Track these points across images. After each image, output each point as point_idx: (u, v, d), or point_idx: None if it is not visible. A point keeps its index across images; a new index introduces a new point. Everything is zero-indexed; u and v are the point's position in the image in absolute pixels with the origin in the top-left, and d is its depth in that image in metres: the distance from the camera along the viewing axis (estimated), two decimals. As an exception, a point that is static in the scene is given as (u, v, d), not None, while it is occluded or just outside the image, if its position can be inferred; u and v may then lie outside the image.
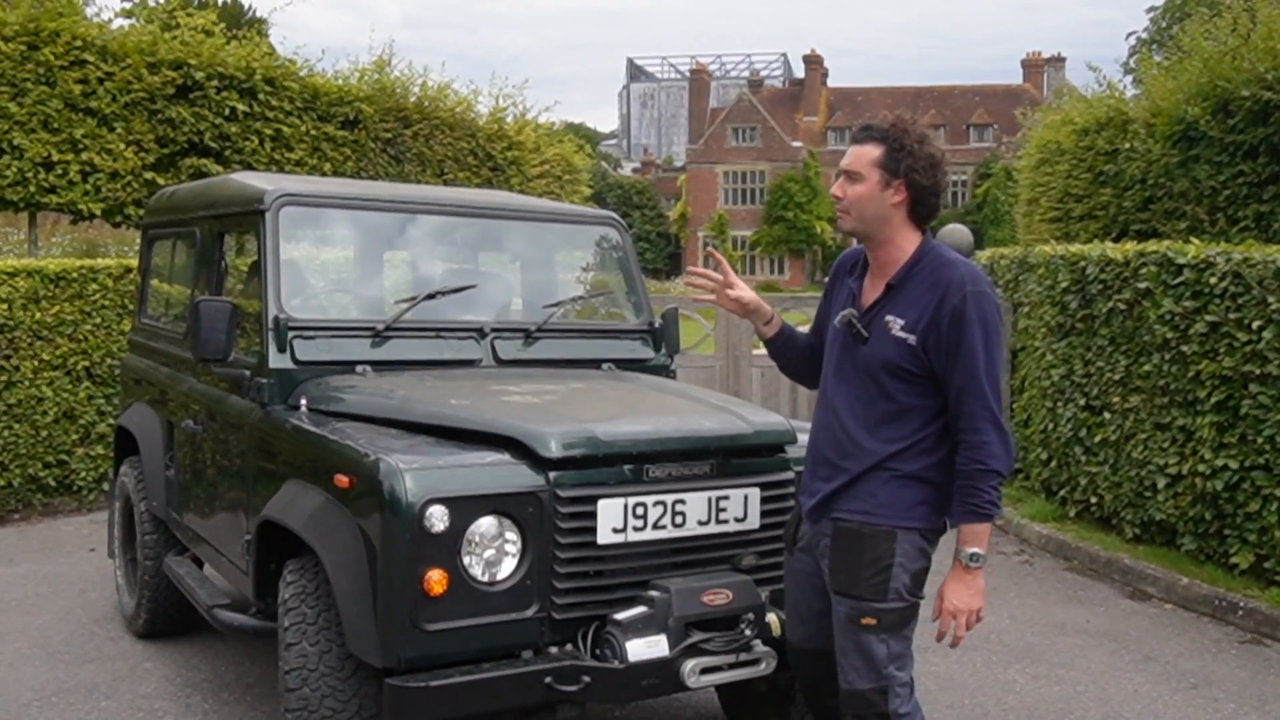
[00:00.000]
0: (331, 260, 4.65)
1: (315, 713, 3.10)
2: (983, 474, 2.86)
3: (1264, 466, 5.66)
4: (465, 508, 2.98)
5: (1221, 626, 5.67)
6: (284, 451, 3.69)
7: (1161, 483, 6.34)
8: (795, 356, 3.38)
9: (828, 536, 3.04)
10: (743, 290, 3.27)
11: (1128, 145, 9.50)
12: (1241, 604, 5.67)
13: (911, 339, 2.91)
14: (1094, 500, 7.11)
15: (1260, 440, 5.65)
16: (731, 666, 3.21)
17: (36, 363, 7.58)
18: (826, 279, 3.36)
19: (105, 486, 7.90)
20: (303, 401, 3.73)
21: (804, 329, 3.43)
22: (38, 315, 7.57)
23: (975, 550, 2.93)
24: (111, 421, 7.74)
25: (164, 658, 4.97)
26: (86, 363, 7.83)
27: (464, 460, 3.12)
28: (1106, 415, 6.88)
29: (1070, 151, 10.29)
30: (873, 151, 2.95)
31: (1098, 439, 6.98)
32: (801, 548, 3.19)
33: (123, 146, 9.02)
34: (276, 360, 3.83)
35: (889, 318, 2.97)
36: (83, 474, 7.85)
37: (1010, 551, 7.22)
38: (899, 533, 2.95)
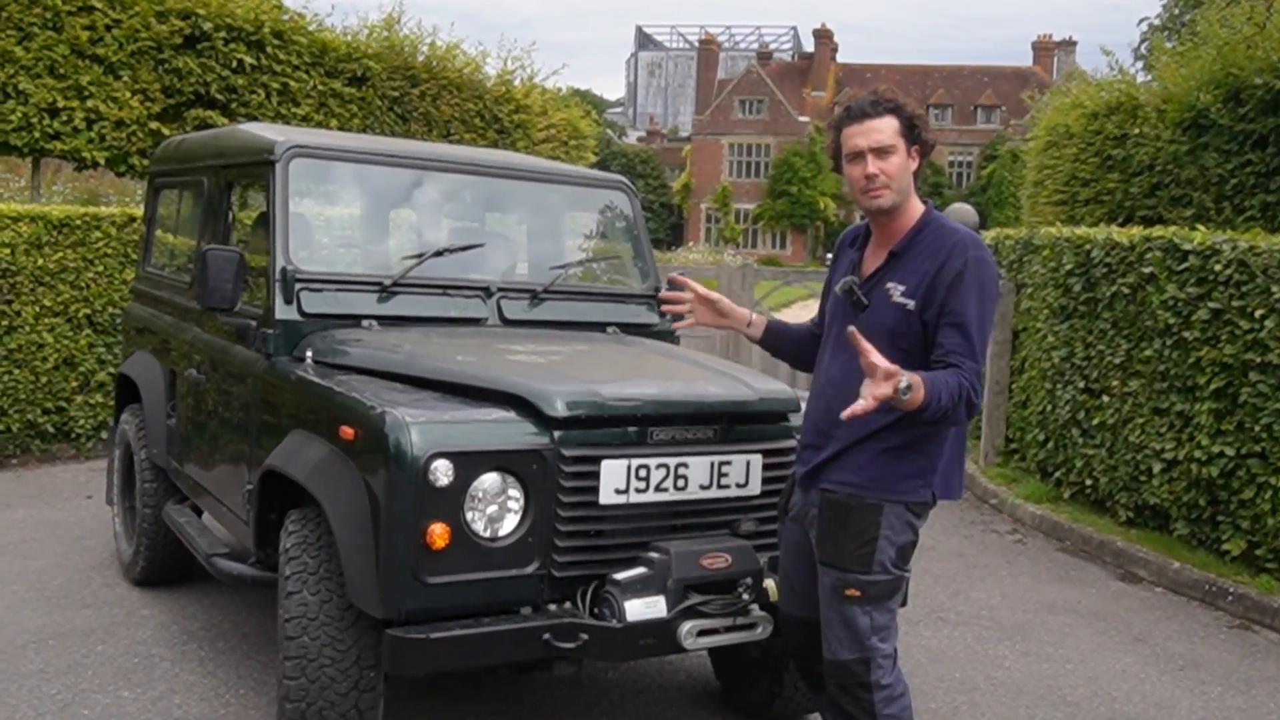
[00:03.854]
0: (340, 214, 4.64)
1: (314, 661, 3.12)
2: (958, 387, 2.81)
3: (1260, 454, 5.68)
4: (469, 463, 3.00)
5: (1211, 611, 5.71)
6: (288, 402, 3.69)
7: (1157, 467, 6.36)
8: (791, 345, 3.42)
9: (816, 507, 3.06)
10: (721, 298, 3.35)
11: (1137, 131, 9.47)
12: (1231, 590, 5.71)
13: (910, 304, 2.93)
14: (1089, 483, 7.14)
15: (1258, 428, 5.68)
16: (728, 630, 3.24)
17: (38, 309, 7.57)
18: (832, 254, 3.37)
19: (104, 435, 7.91)
20: (308, 353, 3.74)
21: (808, 303, 3.45)
22: (40, 261, 7.56)
23: (908, 387, 2.75)
24: (112, 370, 7.76)
25: (160, 605, 5.00)
26: (88, 310, 7.82)
27: (470, 416, 3.13)
28: (1105, 398, 6.90)
29: (1079, 135, 10.26)
30: (893, 122, 2.96)
31: (1095, 422, 7.00)
32: (792, 517, 3.22)
33: (128, 95, 8.97)
34: (283, 311, 3.83)
35: (889, 284, 2.99)
36: (81, 421, 7.86)
37: (1004, 530, 7.26)
38: (885, 506, 2.96)
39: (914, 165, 3.01)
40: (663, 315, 4.56)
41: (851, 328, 2.76)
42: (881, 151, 2.96)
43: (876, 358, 2.71)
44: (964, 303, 2.88)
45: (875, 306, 3.00)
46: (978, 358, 2.89)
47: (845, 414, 2.76)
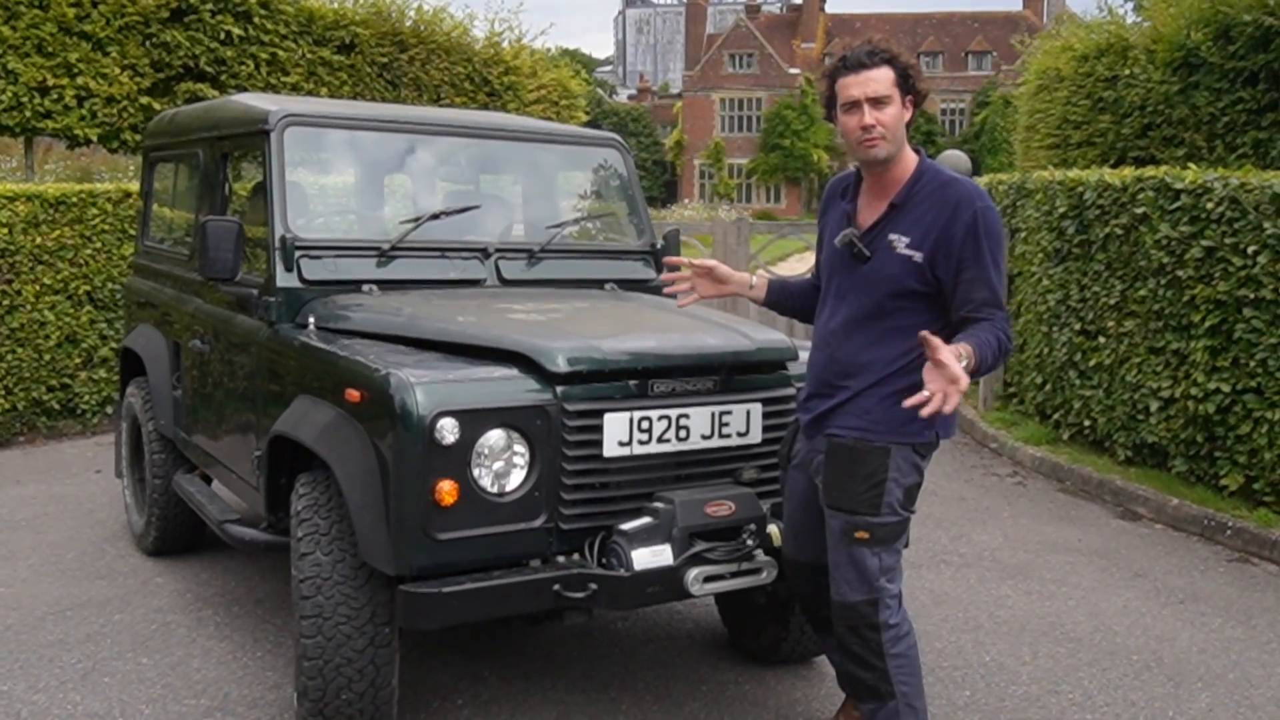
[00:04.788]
0: (335, 181, 4.66)
1: (329, 620, 3.18)
2: (996, 342, 2.87)
3: (1256, 390, 5.74)
4: (475, 420, 3.05)
5: (1210, 546, 5.79)
6: (293, 368, 3.74)
7: (1154, 406, 6.43)
8: (794, 301, 3.47)
9: (822, 453, 3.11)
10: (716, 264, 3.38)
11: (1127, 72, 9.45)
12: (1230, 524, 5.79)
13: (918, 256, 2.96)
14: (1087, 423, 7.21)
15: (1253, 364, 5.73)
16: (734, 575, 3.30)
17: (38, 287, 7.60)
18: (819, 206, 3.40)
19: (109, 410, 7.97)
20: (311, 320, 3.78)
21: (805, 255, 3.49)
22: (38, 240, 7.58)
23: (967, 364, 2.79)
24: (114, 345, 7.80)
25: (174, 574, 5.07)
26: (88, 287, 7.85)
27: (473, 375, 3.18)
28: (1101, 339, 6.95)
29: (1069, 78, 10.23)
30: (889, 73, 2.97)
31: (1092, 363, 7.05)
32: (796, 464, 3.27)
33: (118, 71, 8.96)
34: (284, 279, 3.87)
35: (892, 236, 3.01)
36: (86, 397, 7.92)
37: (1004, 473, 7.33)
38: (893, 448, 3.01)
39: (908, 115, 3.03)
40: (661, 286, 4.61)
41: (924, 333, 2.72)
42: (878, 102, 2.96)
43: (946, 355, 2.69)
44: (981, 255, 2.93)
45: (878, 258, 3.03)
46: (1003, 305, 2.96)
47: (909, 402, 2.74)
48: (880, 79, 2.96)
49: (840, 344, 3.09)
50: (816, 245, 3.40)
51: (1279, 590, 5.16)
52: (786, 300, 3.47)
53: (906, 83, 3.00)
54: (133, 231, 7.74)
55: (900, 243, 2.99)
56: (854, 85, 2.98)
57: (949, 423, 3.12)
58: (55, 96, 8.70)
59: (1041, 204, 7.68)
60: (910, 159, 3.06)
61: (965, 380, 2.69)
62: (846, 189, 3.21)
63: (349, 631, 3.19)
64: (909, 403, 2.75)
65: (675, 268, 3.46)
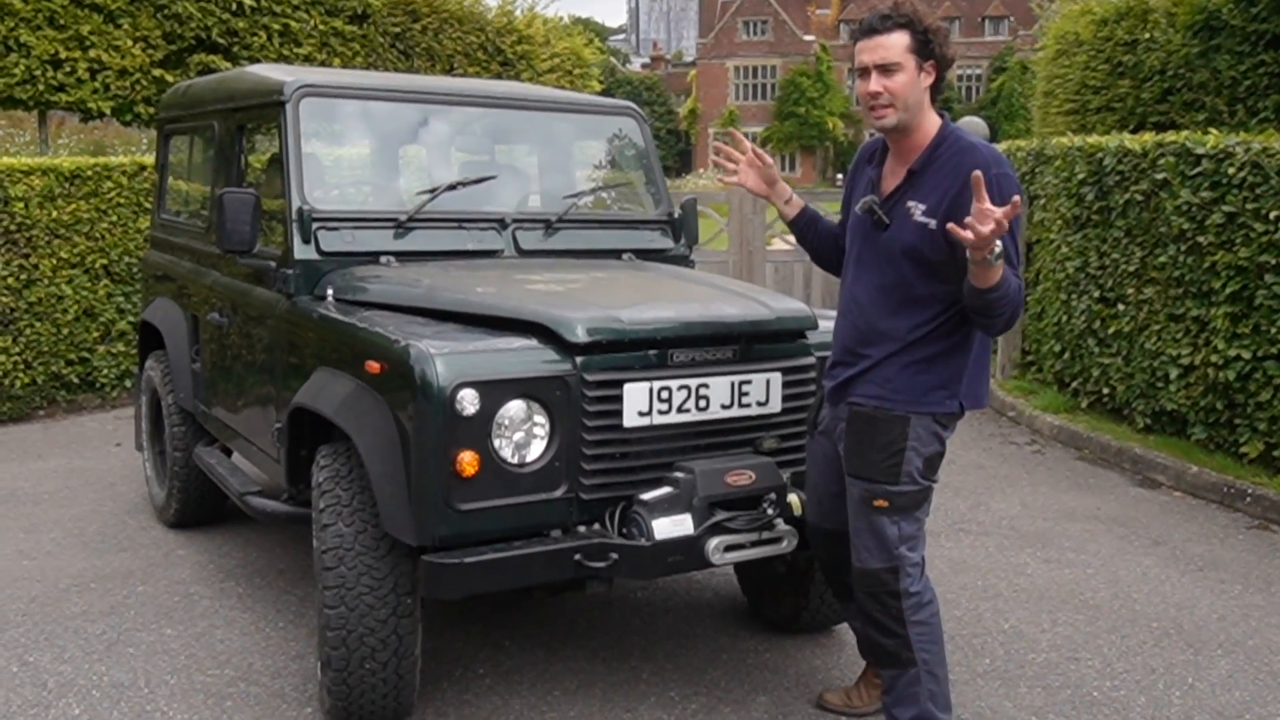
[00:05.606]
0: (351, 152, 4.65)
1: (352, 590, 3.20)
2: (1018, 286, 2.85)
3: (1276, 356, 5.70)
4: (495, 391, 3.04)
5: (1229, 513, 5.77)
6: (312, 341, 3.74)
7: (1174, 373, 6.39)
8: (820, 243, 3.42)
9: (844, 421, 3.11)
10: (767, 159, 3.35)
11: (1147, 35, 9.36)
12: (1250, 491, 5.77)
13: (931, 223, 2.93)
14: (1106, 391, 7.18)
15: (1274, 330, 5.68)
16: (754, 544, 3.30)
17: (55, 261, 7.62)
18: (849, 170, 3.37)
19: (128, 384, 8.00)
20: (329, 292, 3.78)
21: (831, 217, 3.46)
22: (54, 214, 7.59)
23: (999, 255, 2.75)
24: (132, 319, 7.83)
25: (196, 545, 5.11)
26: (104, 261, 7.87)
27: (493, 345, 3.18)
28: (1120, 307, 6.90)
29: (1089, 42, 10.14)
30: (904, 38, 2.91)
31: (1111, 330, 7.01)
32: (821, 431, 3.28)
33: (130, 43, 8.94)
34: (301, 251, 3.87)
35: (910, 203, 2.98)
36: (105, 371, 7.95)
37: (1022, 442, 7.31)
38: (913, 417, 3.00)
39: (928, 81, 2.96)
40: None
41: (977, 172, 2.66)
42: (886, 69, 2.91)
43: (988, 205, 2.64)
44: None
45: (896, 226, 3.00)
46: (1018, 273, 2.91)
47: (952, 227, 2.69)
48: (891, 44, 2.91)
49: (862, 312, 3.08)
50: (841, 208, 3.36)
51: (1300, 557, 5.15)
52: (813, 235, 3.42)
53: (926, 47, 2.93)
54: (148, 205, 7.75)
55: (917, 210, 2.96)
56: (864, 51, 2.94)
57: (976, 393, 3.10)
58: (68, 69, 8.70)
59: (1060, 170, 7.62)
60: (931, 125, 3.01)
61: (989, 229, 2.62)
62: (874, 154, 3.17)
63: (372, 601, 3.20)
64: (953, 228, 2.68)
65: (734, 142, 3.43)
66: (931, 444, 3.05)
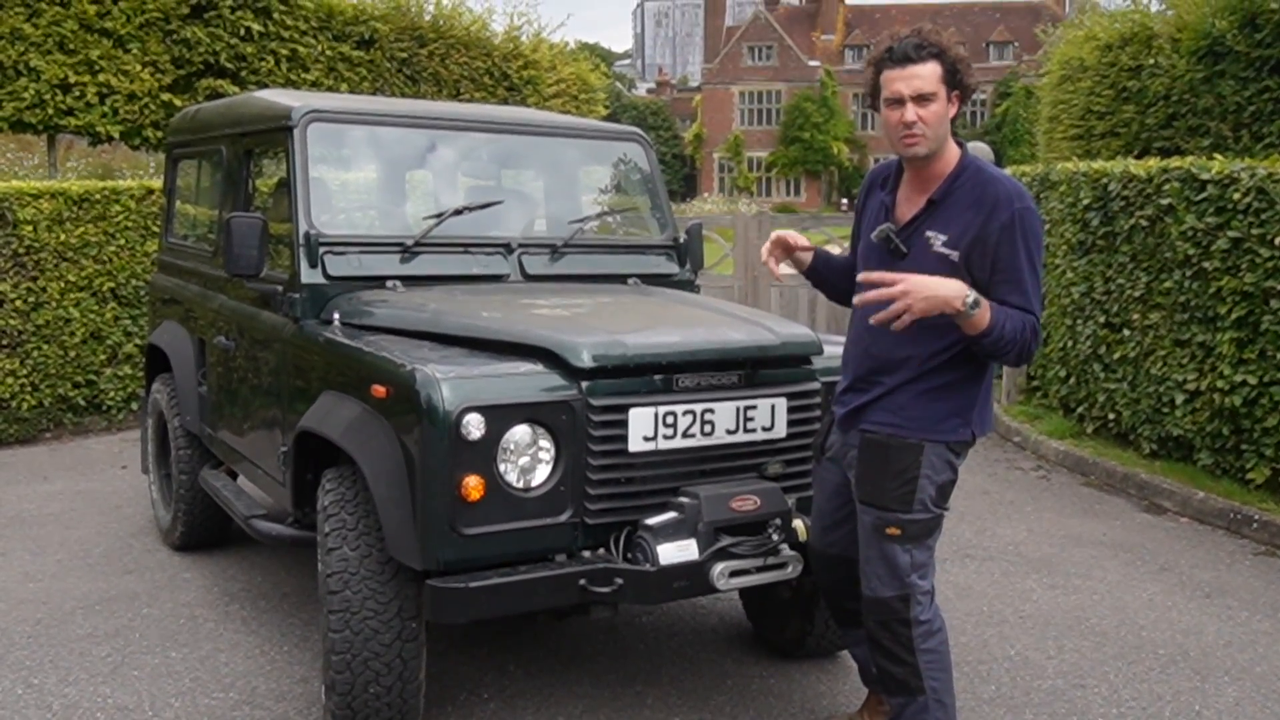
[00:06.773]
0: (358, 177, 4.67)
1: (357, 614, 3.19)
2: (1022, 324, 2.86)
3: (1282, 381, 5.70)
4: (500, 416, 3.05)
5: (1236, 539, 5.75)
6: (318, 364, 3.76)
7: (1180, 399, 6.38)
8: (837, 279, 3.37)
9: (855, 448, 3.10)
10: (798, 239, 3.29)
11: (1152, 61, 9.38)
12: (1256, 517, 5.75)
13: (954, 255, 2.91)
14: (1111, 417, 7.17)
15: (1279, 356, 5.68)
16: (759, 570, 3.30)
17: (63, 284, 7.65)
18: (859, 194, 3.34)
19: (134, 406, 8.02)
20: (335, 316, 3.79)
21: (829, 248, 3.45)
22: (62, 237, 7.63)
23: (975, 302, 2.82)
24: (139, 342, 7.85)
25: (201, 569, 5.10)
26: (112, 284, 7.90)
27: (499, 370, 3.18)
28: (1126, 332, 6.90)
29: (1093, 68, 10.16)
30: (936, 68, 2.89)
31: (1117, 356, 7.01)
32: (830, 457, 3.27)
33: (139, 68, 8.99)
34: (309, 275, 3.89)
35: (930, 233, 2.95)
36: (111, 394, 7.97)
37: (1028, 467, 7.30)
38: (926, 445, 2.99)
39: (953, 111, 2.95)
40: (686, 269, 4.61)
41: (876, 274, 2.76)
42: (922, 99, 2.88)
43: (890, 277, 2.74)
44: (1017, 258, 2.87)
45: (915, 255, 2.96)
46: (1036, 310, 2.90)
47: (875, 319, 2.80)
48: (926, 75, 2.88)
49: (876, 339, 3.05)
50: (852, 234, 3.34)
51: (1307, 584, 5.13)
52: (829, 274, 3.38)
53: (954, 78, 2.92)
54: (156, 228, 7.79)
55: (937, 240, 2.94)
56: (899, 80, 2.90)
57: (984, 419, 3.09)
58: (77, 93, 8.74)
59: (1065, 196, 7.64)
60: (952, 154, 2.99)
61: (918, 292, 2.78)
62: (887, 179, 3.14)
63: (376, 625, 3.20)
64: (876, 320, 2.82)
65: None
66: (944, 472, 3.04)
